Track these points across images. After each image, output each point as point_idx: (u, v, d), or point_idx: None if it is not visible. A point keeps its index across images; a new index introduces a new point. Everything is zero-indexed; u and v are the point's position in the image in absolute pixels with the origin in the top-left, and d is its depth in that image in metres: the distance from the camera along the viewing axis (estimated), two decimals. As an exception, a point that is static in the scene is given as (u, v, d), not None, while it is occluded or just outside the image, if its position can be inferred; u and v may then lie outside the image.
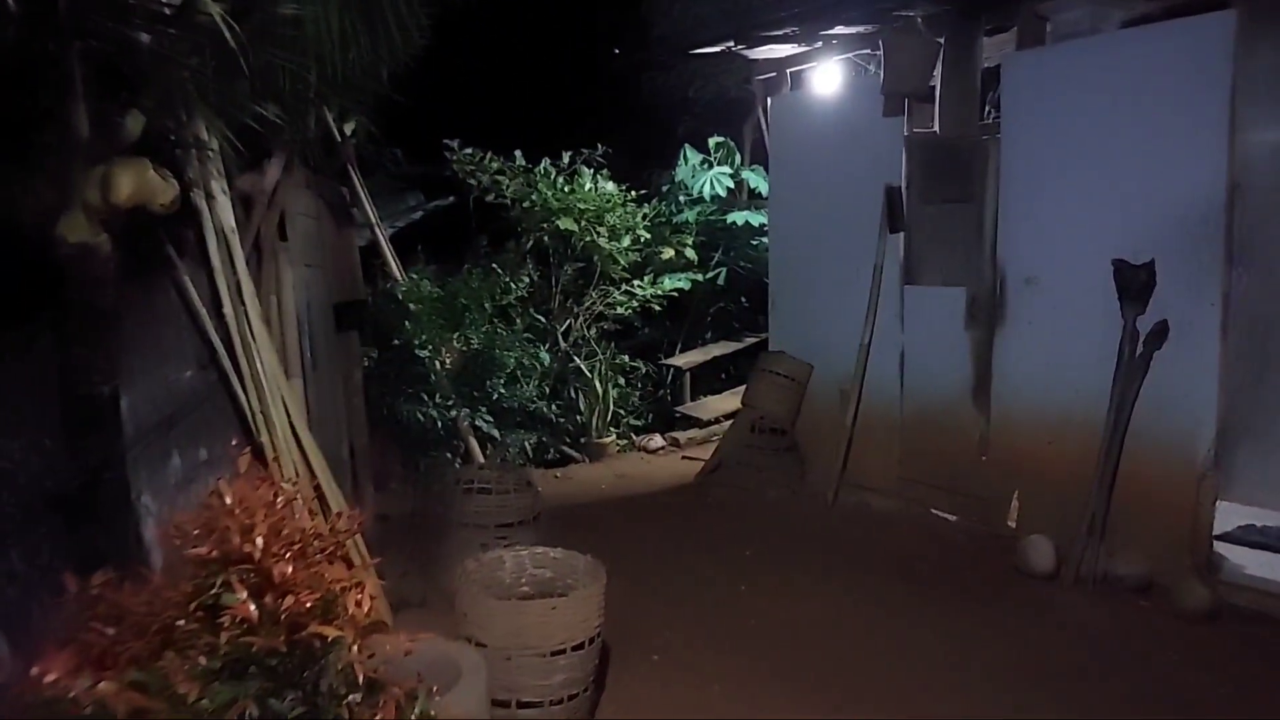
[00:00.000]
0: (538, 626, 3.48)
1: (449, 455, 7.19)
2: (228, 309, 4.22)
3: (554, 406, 8.16)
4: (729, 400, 9.26)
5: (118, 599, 1.96)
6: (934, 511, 6.22)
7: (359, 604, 1.93)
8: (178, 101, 3.96)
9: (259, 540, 1.87)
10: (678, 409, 9.35)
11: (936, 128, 6.16)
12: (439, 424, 6.98)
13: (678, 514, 6.64)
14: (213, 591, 1.87)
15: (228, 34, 3.88)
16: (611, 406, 8.59)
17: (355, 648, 1.83)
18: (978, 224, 5.85)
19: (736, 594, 5.09)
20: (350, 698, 1.79)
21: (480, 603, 3.55)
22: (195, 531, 1.94)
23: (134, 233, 3.86)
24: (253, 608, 1.80)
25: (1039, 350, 5.45)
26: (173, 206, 3.85)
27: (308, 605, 1.83)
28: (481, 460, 7.23)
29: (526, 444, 7.83)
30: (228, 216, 4.32)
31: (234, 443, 3.57)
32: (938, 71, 5.99)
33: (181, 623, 1.88)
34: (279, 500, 2.01)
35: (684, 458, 8.34)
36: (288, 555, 1.90)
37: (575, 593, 3.62)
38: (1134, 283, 4.86)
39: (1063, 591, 4.96)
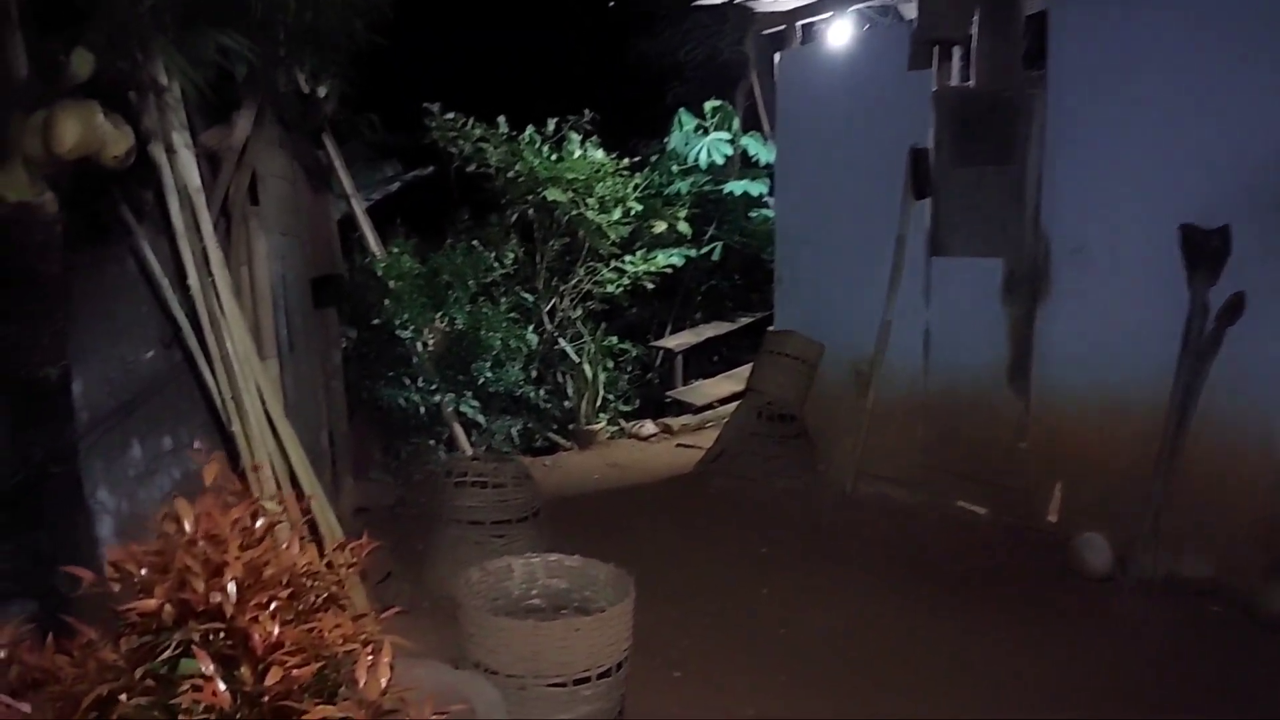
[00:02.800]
0: (558, 650, 2.95)
1: (432, 442, 6.66)
2: (193, 280, 3.69)
3: (541, 391, 7.62)
4: (723, 384, 8.79)
5: (36, 660, 1.41)
6: (961, 504, 5.75)
7: (373, 670, 1.38)
8: (132, 38, 3.44)
9: (231, 587, 1.32)
10: (669, 394, 8.84)
11: (971, 80, 5.63)
12: (421, 409, 6.43)
13: (681, 507, 6.14)
14: (164, 656, 1.32)
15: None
16: (601, 391, 8.06)
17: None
18: (1018, 188, 5.33)
19: (758, 598, 4.59)
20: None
21: (489, 622, 3.01)
22: (142, 571, 1.38)
23: (84, 191, 3.35)
24: (222, 686, 1.26)
25: (1089, 326, 4.97)
26: (127, 159, 3.31)
27: (301, 681, 1.29)
28: (468, 448, 6.70)
29: (513, 431, 7.30)
30: (192, 174, 3.78)
31: (195, 445, 3.01)
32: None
33: (124, 697, 1.34)
34: (259, 524, 1.46)
35: (679, 445, 7.83)
36: (272, 607, 1.35)
37: (603, 612, 3.08)
38: (1205, 250, 4.39)
39: (1122, 595, 4.49)
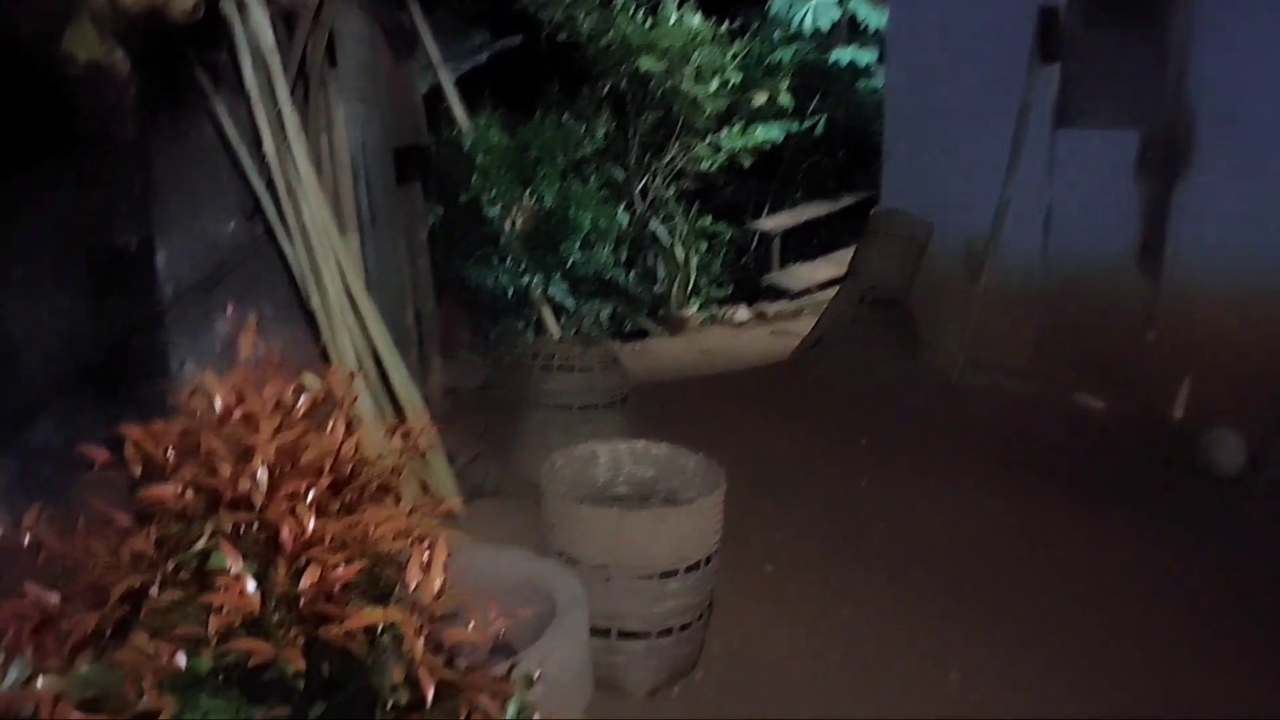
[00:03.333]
0: (644, 542, 2.79)
1: (521, 324, 6.53)
2: (269, 147, 3.54)
3: (631, 275, 7.39)
4: (822, 269, 8.42)
5: (65, 548, 1.29)
6: (1078, 397, 5.38)
7: (427, 567, 1.21)
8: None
9: (260, 474, 1.16)
10: (765, 278, 8.51)
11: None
12: (509, 291, 6.28)
13: (775, 395, 5.91)
14: (195, 549, 1.18)
15: None
16: (693, 275, 7.78)
17: (421, 641, 1.14)
18: (1160, 49, 4.77)
19: (855, 491, 4.38)
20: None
21: (572, 510, 2.87)
22: (167, 453, 1.24)
23: (155, 52, 3.19)
24: (251, 586, 1.11)
25: (1234, 206, 4.50)
26: (195, 13, 3.13)
27: (343, 580, 1.14)
28: (556, 331, 6.56)
29: (602, 315, 7.12)
30: (265, 33, 3.59)
31: (230, 312, 2.90)
32: None
33: (155, 590, 1.21)
34: (300, 402, 1.29)
35: (774, 332, 7.56)
36: (310, 497, 1.19)
37: (691, 503, 2.91)
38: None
39: (1255, 497, 4.15)
